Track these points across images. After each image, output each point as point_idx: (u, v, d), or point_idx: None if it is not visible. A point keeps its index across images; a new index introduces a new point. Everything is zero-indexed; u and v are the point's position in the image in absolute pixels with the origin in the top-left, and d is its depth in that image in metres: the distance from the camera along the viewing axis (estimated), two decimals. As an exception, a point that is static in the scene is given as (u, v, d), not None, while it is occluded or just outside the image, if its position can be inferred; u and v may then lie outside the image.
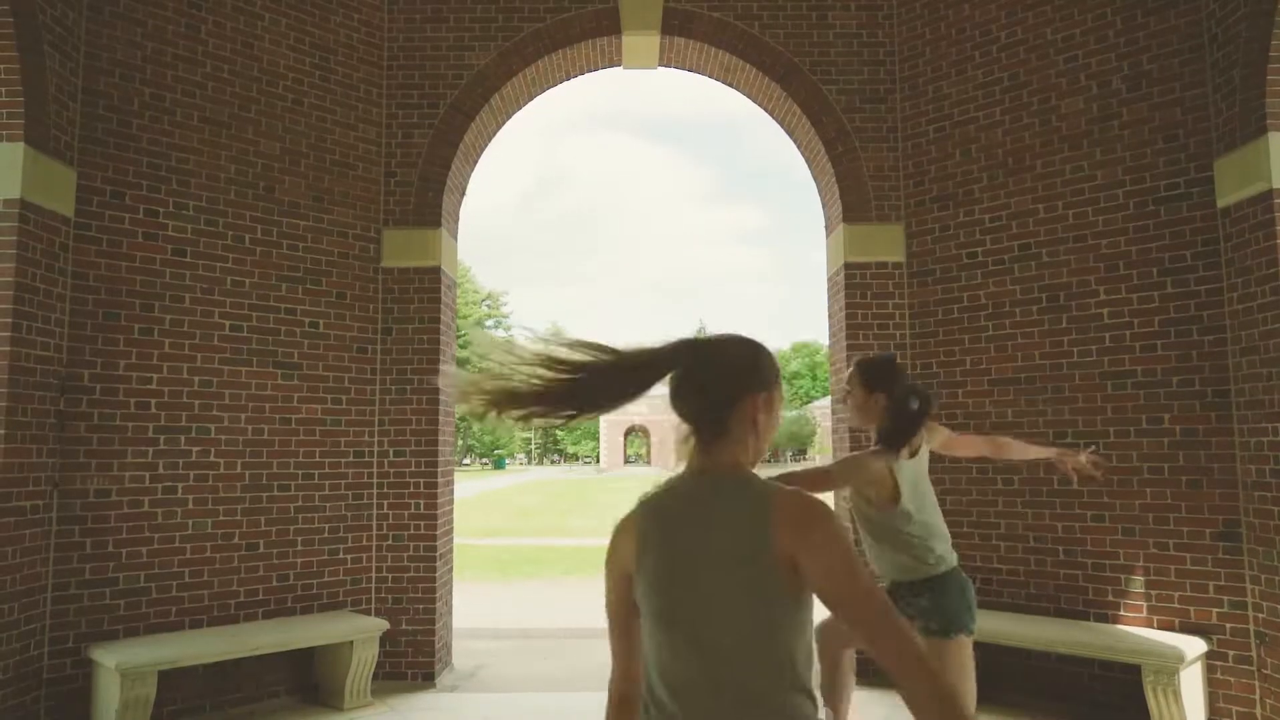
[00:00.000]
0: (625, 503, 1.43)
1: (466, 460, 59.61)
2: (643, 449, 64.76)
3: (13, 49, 4.04)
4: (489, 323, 60.15)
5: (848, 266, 5.59)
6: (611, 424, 59.98)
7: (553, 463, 74.23)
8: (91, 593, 4.41)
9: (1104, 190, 4.81)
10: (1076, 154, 4.92)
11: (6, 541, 3.96)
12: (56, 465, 4.33)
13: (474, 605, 8.09)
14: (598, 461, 62.66)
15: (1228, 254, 4.35)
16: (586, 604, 8.35)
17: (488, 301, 60.71)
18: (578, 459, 70.63)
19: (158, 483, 4.67)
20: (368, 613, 5.29)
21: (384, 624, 5.06)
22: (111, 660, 4.07)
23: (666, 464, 58.15)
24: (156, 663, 4.14)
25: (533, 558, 13.27)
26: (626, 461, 62.09)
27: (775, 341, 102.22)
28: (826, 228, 6.08)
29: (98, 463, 4.49)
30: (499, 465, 59.67)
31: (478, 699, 5.05)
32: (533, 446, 69.49)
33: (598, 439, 62.34)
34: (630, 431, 61.86)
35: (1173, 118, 4.60)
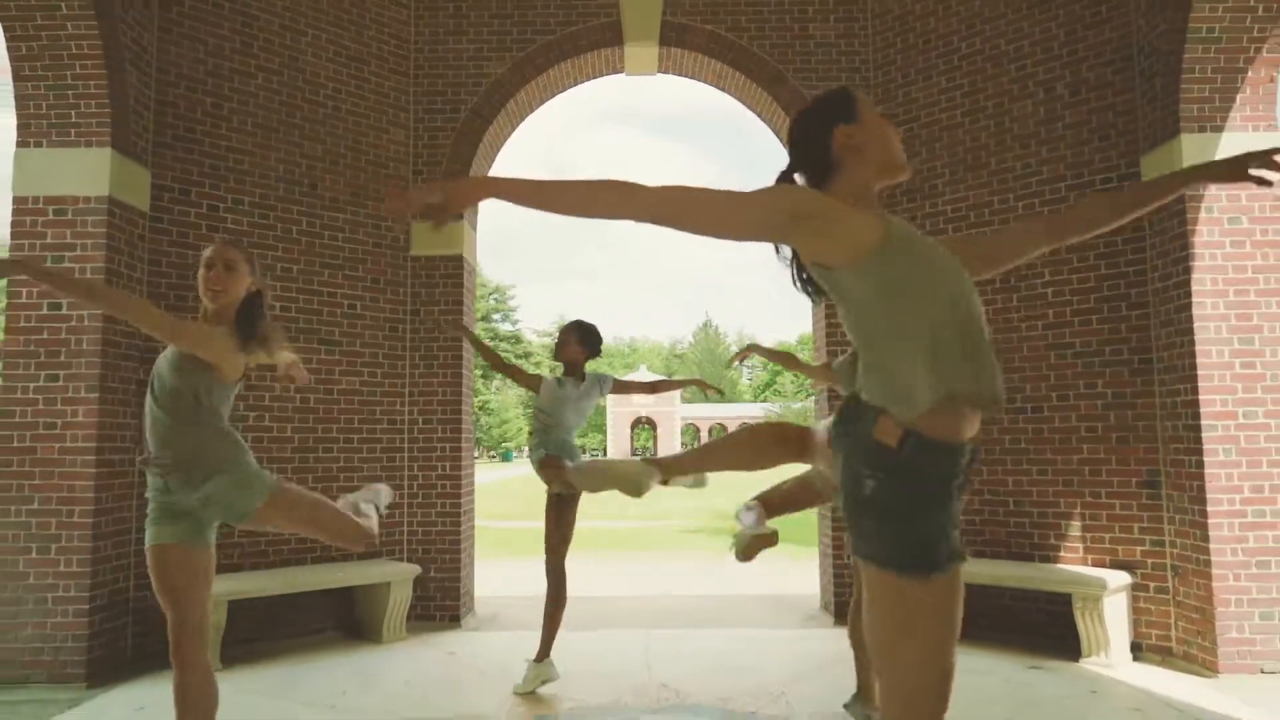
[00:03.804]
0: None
1: (475, 453, 60.02)
2: (649, 441, 65.50)
3: (103, 68, 4.72)
4: (496, 316, 60.91)
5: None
6: (618, 416, 60.70)
7: (560, 455, 74.65)
8: (167, 536, 5.09)
9: (1049, 184, 5.45)
10: (1026, 152, 5.55)
11: (102, 488, 4.66)
12: (139, 425, 5.02)
13: (489, 581, 8.15)
14: (604, 454, 63.43)
15: (1151, 239, 5.00)
16: (594, 578, 9.02)
17: (496, 295, 61.44)
18: (585, 451, 71.33)
19: (221, 443, 5.34)
20: (401, 561, 5.98)
21: (416, 569, 5.75)
22: (189, 590, 4.75)
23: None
24: (227, 594, 4.84)
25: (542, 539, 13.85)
26: (633, 453, 62.83)
27: (781, 334, 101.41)
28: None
29: (171, 425, 5.17)
30: (506, 458, 60.23)
31: (498, 635, 5.73)
32: (540, 439, 70.32)
33: (605, 431, 63.04)
34: (637, 423, 62.60)
35: (1107, 120, 5.24)
